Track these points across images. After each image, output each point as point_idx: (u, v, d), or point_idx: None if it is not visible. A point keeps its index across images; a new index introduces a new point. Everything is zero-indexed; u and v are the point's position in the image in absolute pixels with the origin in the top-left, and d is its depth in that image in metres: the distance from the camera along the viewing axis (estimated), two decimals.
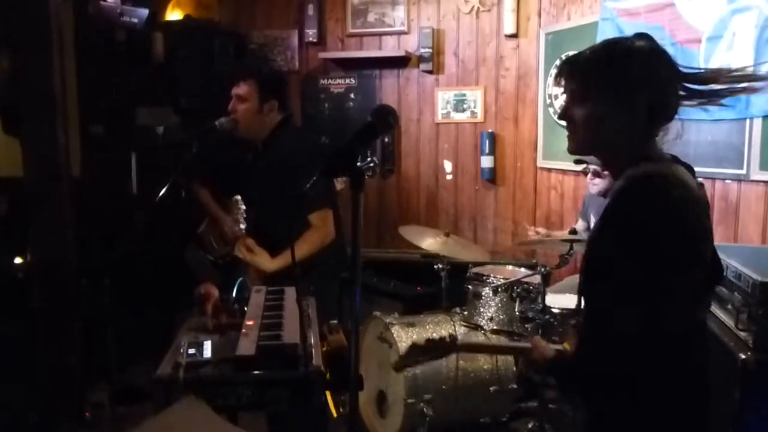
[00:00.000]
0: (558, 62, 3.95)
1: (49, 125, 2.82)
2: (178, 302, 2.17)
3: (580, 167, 3.34)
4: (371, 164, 3.09)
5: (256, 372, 1.35)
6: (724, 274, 2.08)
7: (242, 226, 2.39)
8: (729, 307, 1.99)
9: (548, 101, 4.00)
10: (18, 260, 3.83)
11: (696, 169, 3.31)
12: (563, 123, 1.37)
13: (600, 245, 1.26)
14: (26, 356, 2.78)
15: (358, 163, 1.24)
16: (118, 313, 2.51)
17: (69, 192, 2.86)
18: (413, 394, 2.86)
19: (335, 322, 1.86)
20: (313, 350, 1.48)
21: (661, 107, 1.28)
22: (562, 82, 1.33)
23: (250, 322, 1.56)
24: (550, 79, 3.96)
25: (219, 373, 1.35)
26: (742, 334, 1.85)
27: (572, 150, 1.35)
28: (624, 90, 1.25)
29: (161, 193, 2.52)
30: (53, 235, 2.84)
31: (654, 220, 1.18)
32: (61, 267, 2.83)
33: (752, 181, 2.78)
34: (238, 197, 2.41)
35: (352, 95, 4.44)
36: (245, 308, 1.75)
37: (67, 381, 2.83)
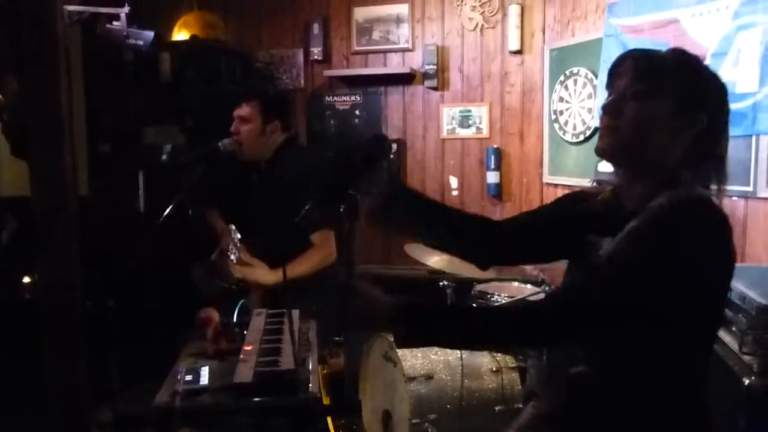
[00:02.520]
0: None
1: (56, 148, 2.84)
2: (184, 323, 2.17)
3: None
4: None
5: (253, 399, 1.34)
6: (729, 296, 2.06)
7: (233, 257, 2.37)
8: (734, 329, 1.96)
9: (553, 117, 3.99)
10: (27, 279, 3.86)
11: None
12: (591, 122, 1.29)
13: (633, 256, 1.13)
14: (33, 377, 2.79)
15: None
16: (123, 335, 2.52)
17: (76, 213, 2.88)
18: (418, 414, 2.84)
19: (341, 338, 1.86)
20: (311, 376, 1.47)
21: (715, 137, 1.21)
22: (625, 72, 1.22)
23: (249, 347, 1.56)
24: (555, 95, 3.96)
25: (216, 401, 1.35)
26: (747, 357, 1.83)
27: (606, 149, 1.23)
28: (692, 101, 1.18)
29: (165, 214, 2.54)
30: (60, 256, 2.85)
31: (711, 248, 1.13)
32: (68, 287, 2.84)
33: (759, 198, 2.76)
34: (233, 226, 2.41)
35: (357, 112, 4.46)
36: (245, 332, 1.74)
37: (75, 401, 2.83)
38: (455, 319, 1.21)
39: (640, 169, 1.23)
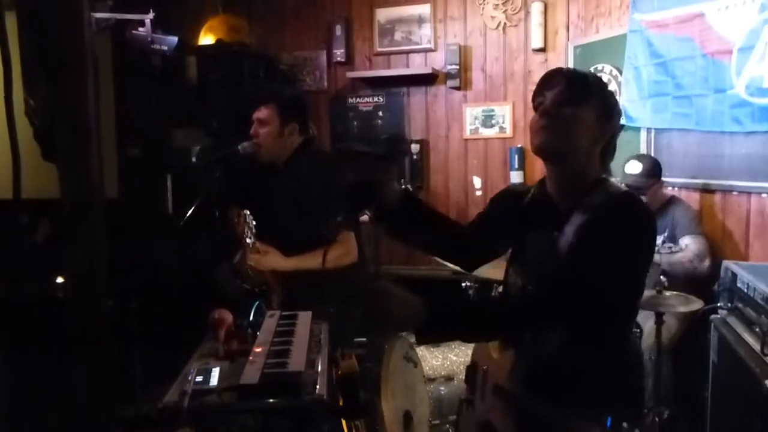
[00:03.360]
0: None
1: (84, 154, 2.91)
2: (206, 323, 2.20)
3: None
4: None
5: (258, 401, 1.36)
6: (752, 295, 2.01)
7: (249, 241, 2.41)
8: (756, 330, 1.91)
9: None
10: (60, 279, 3.97)
11: (730, 182, 3.22)
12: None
13: (591, 246, 1.35)
14: (60, 378, 2.86)
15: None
16: (145, 335, 2.57)
17: (103, 216, 2.94)
18: (438, 415, 2.84)
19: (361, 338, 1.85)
20: (319, 378, 1.48)
21: (615, 143, 1.47)
22: (557, 84, 1.42)
23: (259, 349, 1.58)
24: None
25: (222, 401, 1.37)
26: None
27: (544, 147, 1.41)
28: (608, 112, 1.43)
29: (187, 215, 2.59)
30: (88, 258, 2.92)
31: (649, 234, 1.41)
32: (95, 289, 2.91)
33: None
34: (247, 212, 2.43)
35: (380, 113, 4.46)
36: (258, 333, 1.76)
37: (101, 401, 2.90)
38: (474, 319, 1.37)
39: (570, 168, 1.43)
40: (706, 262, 2.86)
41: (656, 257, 2.79)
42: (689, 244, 2.96)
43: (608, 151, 1.46)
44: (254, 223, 2.42)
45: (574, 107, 1.38)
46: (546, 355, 1.43)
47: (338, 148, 1.52)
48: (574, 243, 1.38)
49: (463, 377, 2.88)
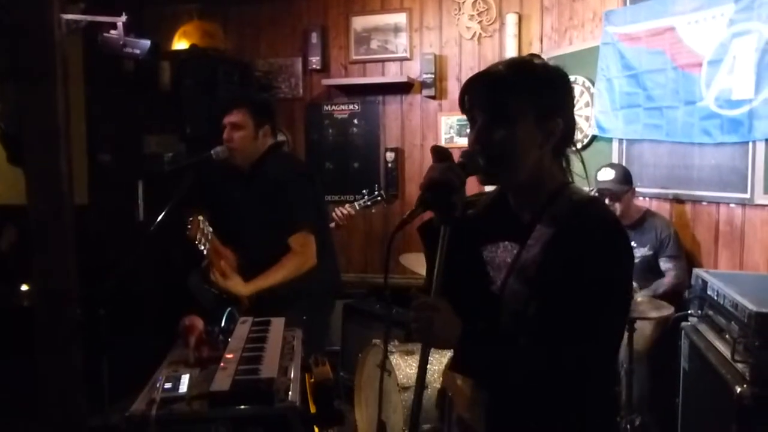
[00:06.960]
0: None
1: (52, 156, 2.84)
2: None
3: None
4: (378, 198, 3.18)
5: (229, 408, 1.33)
6: (722, 303, 2.04)
7: (203, 248, 2.34)
8: (726, 337, 1.93)
9: None
10: (24, 287, 3.87)
11: (700, 193, 3.22)
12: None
13: (567, 267, 1.16)
14: (30, 386, 2.78)
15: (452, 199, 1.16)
16: (115, 343, 2.51)
17: (72, 222, 2.88)
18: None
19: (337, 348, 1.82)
20: (292, 384, 1.46)
21: (572, 130, 1.26)
22: (473, 99, 1.23)
23: (230, 356, 1.55)
24: None
25: (192, 409, 1.34)
26: (739, 365, 1.80)
27: (486, 177, 1.23)
28: (547, 110, 1.20)
29: (157, 221, 2.54)
30: (56, 265, 2.85)
31: (624, 243, 1.20)
32: (63, 296, 2.84)
33: (757, 205, 2.73)
34: (201, 217, 2.37)
35: (355, 121, 4.46)
36: (230, 340, 1.73)
37: (68, 409, 2.82)
38: (507, 362, 1.19)
39: (522, 182, 1.24)
40: (685, 283, 2.86)
41: (641, 296, 2.73)
42: (670, 269, 2.99)
43: (562, 144, 1.25)
44: (210, 229, 2.36)
45: (506, 128, 1.19)
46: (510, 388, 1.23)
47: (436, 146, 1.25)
48: (545, 265, 1.20)
49: (438, 385, 2.89)
